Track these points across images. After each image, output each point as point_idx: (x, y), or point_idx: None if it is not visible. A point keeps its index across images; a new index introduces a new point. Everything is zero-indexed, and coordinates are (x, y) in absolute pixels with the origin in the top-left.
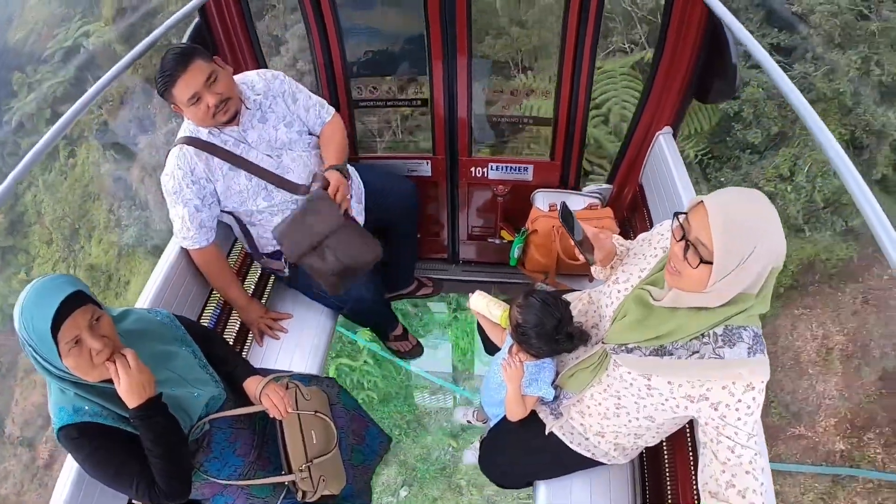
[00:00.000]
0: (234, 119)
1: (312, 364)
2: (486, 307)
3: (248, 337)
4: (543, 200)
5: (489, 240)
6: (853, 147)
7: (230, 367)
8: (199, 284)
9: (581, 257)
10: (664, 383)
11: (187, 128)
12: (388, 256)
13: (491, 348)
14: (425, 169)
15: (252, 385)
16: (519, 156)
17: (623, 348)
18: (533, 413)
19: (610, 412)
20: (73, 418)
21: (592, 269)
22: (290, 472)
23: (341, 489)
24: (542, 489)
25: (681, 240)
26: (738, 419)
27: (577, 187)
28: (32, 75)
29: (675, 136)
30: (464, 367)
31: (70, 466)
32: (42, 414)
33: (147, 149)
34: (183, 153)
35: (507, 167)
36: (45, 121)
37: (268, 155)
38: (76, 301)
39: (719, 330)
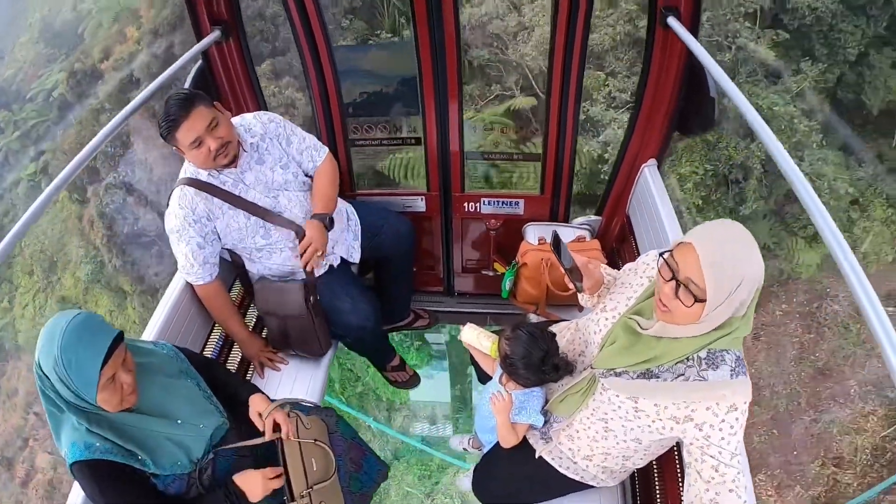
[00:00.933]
0: (233, 162)
1: (312, 393)
2: (477, 339)
3: (249, 368)
4: (534, 233)
5: (483, 272)
6: (728, 183)
7: (231, 389)
8: (202, 317)
9: (571, 286)
10: (650, 405)
11: (188, 169)
12: (385, 290)
13: (483, 377)
14: (420, 205)
15: (257, 401)
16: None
17: (611, 372)
18: (524, 438)
19: (598, 435)
20: (84, 455)
21: (580, 296)
22: (291, 498)
23: None
24: None
25: (670, 280)
26: (722, 438)
27: (567, 220)
28: (18, 113)
29: (659, 167)
30: (460, 395)
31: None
32: (21, 435)
33: (93, 197)
34: (184, 193)
35: (499, 202)
36: (29, 157)
37: (265, 196)
38: (116, 341)
39: (703, 353)
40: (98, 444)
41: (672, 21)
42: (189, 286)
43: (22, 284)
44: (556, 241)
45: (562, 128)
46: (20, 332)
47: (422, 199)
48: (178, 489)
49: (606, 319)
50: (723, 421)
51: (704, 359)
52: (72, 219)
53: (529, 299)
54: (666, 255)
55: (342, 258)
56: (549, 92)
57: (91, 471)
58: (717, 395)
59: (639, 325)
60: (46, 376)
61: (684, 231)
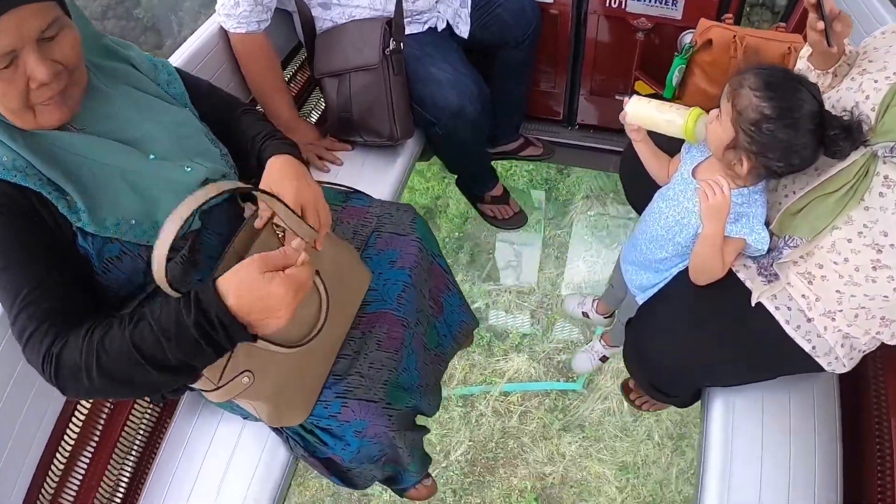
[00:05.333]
0: None
1: (381, 193)
2: (657, 111)
3: None
4: None
5: (617, 97)
6: None
7: (255, 137)
8: (235, 83)
9: (825, 47)
10: None
11: None
12: (493, 92)
13: (638, 198)
14: None
15: (275, 164)
16: None
17: None
18: (728, 274)
19: (859, 274)
20: None
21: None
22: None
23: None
24: (719, 404)
25: None
26: None
27: None
28: None
29: None
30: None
31: None
32: None
33: None
34: None
35: None
36: None
37: None
38: None
39: None
40: (5, 159)
41: None
42: (224, 36)
43: None
44: None
45: None
46: None
47: None
48: (126, 273)
49: (876, 82)
50: None
51: None
52: None
53: (703, 102)
54: None
55: (448, 24)
56: None
57: None
58: None
59: None
60: None
61: None
